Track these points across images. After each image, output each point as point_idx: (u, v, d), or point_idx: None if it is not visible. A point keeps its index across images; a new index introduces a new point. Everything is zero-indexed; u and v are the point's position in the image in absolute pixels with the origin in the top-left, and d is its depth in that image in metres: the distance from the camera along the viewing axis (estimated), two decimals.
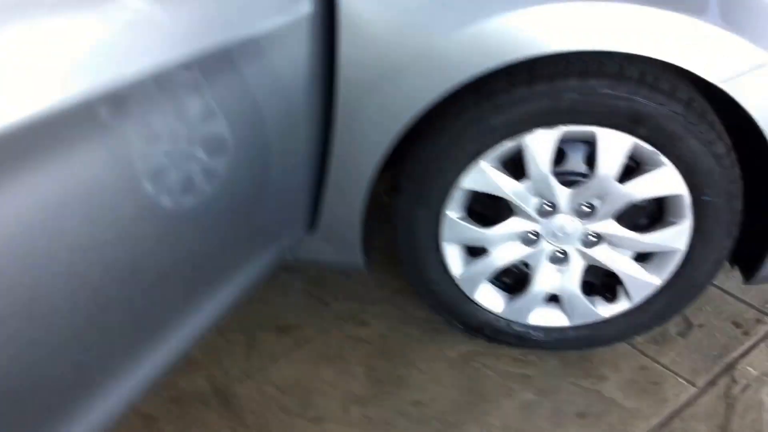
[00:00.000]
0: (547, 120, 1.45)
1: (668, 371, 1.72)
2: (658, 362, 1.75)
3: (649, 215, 1.60)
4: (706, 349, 1.78)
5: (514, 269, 1.71)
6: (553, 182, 1.52)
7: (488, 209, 1.62)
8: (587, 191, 1.52)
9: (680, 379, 1.70)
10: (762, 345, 1.79)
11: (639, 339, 1.80)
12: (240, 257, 1.45)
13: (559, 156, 1.53)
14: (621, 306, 1.67)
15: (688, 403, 1.64)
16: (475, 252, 1.67)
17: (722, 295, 1.92)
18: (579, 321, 1.70)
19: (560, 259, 1.63)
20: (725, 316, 1.87)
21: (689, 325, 1.84)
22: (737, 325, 1.85)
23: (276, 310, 1.90)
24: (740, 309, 1.89)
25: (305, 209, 1.57)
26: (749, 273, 1.64)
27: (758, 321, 1.85)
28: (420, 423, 1.61)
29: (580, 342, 1.74)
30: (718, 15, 1.34)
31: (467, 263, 1.67)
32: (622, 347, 1.78)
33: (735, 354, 1.77)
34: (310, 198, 1.56)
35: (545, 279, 1.65)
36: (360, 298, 1.94)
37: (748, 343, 1.79)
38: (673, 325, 1.85)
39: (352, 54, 1.39)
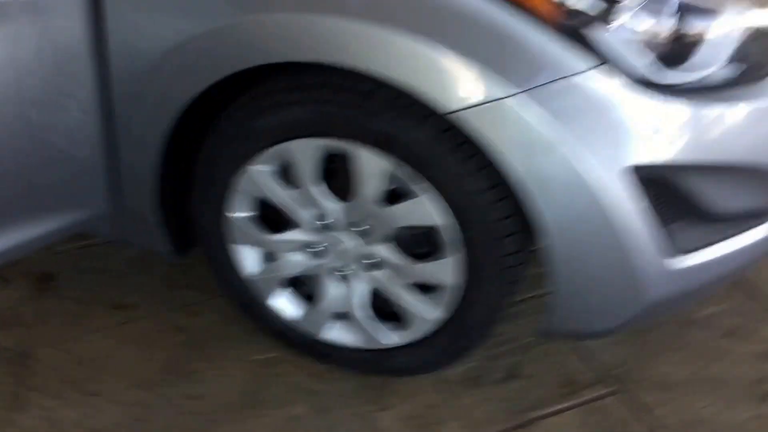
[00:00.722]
0: (306, 130, 1.55)
1: (458, 414, 1.75)
2: (454, 403, 1.77)
3: (431, 244, 1.63)
4: (517, 400, 1.79)
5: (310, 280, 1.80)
6: (320, 195, 1.60)
7: (278, 214, 1.72)
8: (355, 209, 1.60)
9: (458, 425, 1.72)
10: (577, 409, 1.77)
11: (454, 376, 1.83)
12: (15, 211, 1.65)
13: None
14: (409, 336, 1.72)
15: None
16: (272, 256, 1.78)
17: (573, 350, 1.90)
18: (370, 344, 1.76)
19: (346, 276, 1.70)
20: (561, 372, 1.86)
21: (515, 374, 1.85)
22: (567, 384, 1.83)
23: (123, 287, 2.10)
24: (582, 368, 1.87)
25: (102, 185, 1.74)
26: None
27: (591, 385, 1.83)
28: (182, 415, 1.76)
29: (372, 366, 1.81)
30: (460, 45, 1.37)
31: (260, 266, 1.77)
32: (427, 380, 1.82)
33: (542, 412, 1.77)
34: (106, 175, 1.73)
35: (333, 295, 1.73)
36: (209, 288, 2.08)
37: (563, 405, 1.79)
38: (499, 369, 1.86)
39: (120, 39, 1.55)
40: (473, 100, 1.39)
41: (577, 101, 1.40)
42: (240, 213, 1.71)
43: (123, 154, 1.69)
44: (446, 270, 1.59)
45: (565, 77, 1.39)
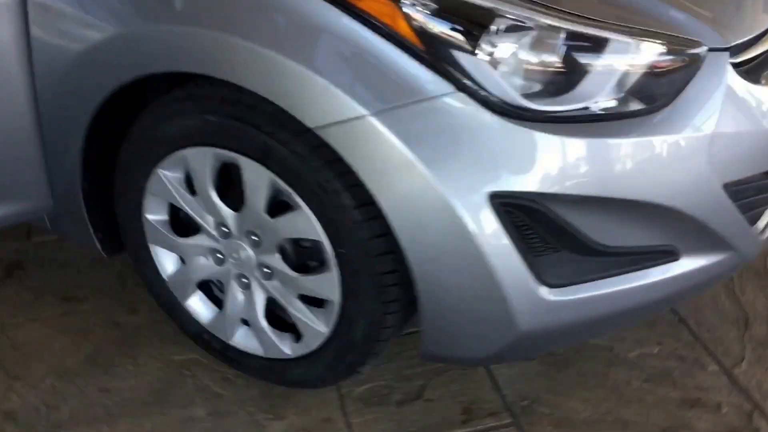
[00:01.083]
0: (197, 139, 1.61)
1: (350, 431, 1.75)
2: (350, 419, 1.79)
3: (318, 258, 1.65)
4: (413, 422, 1.80)
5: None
6: (214, 202, 1.65)
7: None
8: (246, 219, 1.64)
9: None
10: None
11: (358, 392, 1.84)
12: None
13: None
14: (303, 348, 1.74)
15: None
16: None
17: (483, 377, 1.88)
18: (270, 353, 1.79)
19: (246, 284, 1.74)
20: (464, 399, 1.84)
21: (417, 396, 1.85)
22: (468, 410, 1.81)
23: (79, 281, 2.21)
24: (490, 396, 1.85)
25: (40, 180, 1.84)
26: None
27: (493, 414, 1.80)
28: (90, 406, 1.85)
29: (273, 376, 1.84)
30: (321, 64, 1.40)
31: (175, 268, 1.83)
32: (331, 394, 1.84)
33: None
34: (43, 171, 1.83)
35: (237, 302, 1.77)
36: None
37: (458, 431, 1.75)
38: (405, 390, 1.86)
39: (41, 40, 1.64)
40: (333, 118, 1.42)
41: (435, 124, 1.40)
42: (154, 215, 1.78)
43: (50, 151, 1.79)
44: (328, 285, 1.61)
45: (423, 100, 1.40)
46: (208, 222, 1.71)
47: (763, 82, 1.66)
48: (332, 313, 1.65)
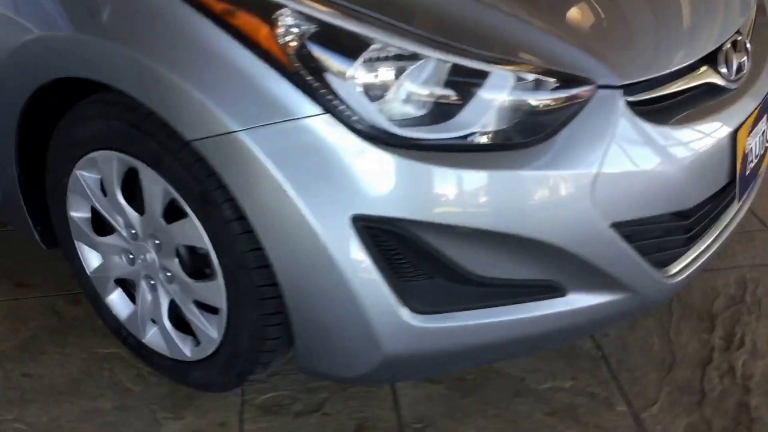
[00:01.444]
0: (103, 142, 1.65)
1: None
2: (244, 426, 1.81)
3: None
4: None
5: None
6: (121, 204, 1.69)
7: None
8: (147, 222, 1.67)
9: None
10: None
11: (261, 400, 1.86)
12: None
13: None
14: (201, 352, 1.76)
15: None
16: None
17: (387, 396, 1.87)
18: (174, 354, 1.82)
19: (152, 285, 1.77)
20: (361, 416, 1.83)
21: (316, 409, 1.85)
22: (360, 428, 1.81)
23: (36, 269, 2.30)
24: (388, 416, 1.83)
25: None
26: None
27: None
28: (9, 389, 1.92)
29: (176, 376, 1.87)
30: (196, 78, 1.42)
31: (98, 265, 1.88)
32: (232, 400, 1.86)
33: None
34: None
35: (146, 301, 1.81)
36: None
37: None
38: (305, 402, 1.86)
39: None
40: (206, 132, 1.44)
41: (302, 145, 1.41)
42: (76, 213, 1.83)
43: None
44: (215, 293, 1.63)
45: (291, 119, 1.41)
46: (119, 223, 1.75)
47: (672, 122, 1.61)
48: (221, 321, 1.66)
